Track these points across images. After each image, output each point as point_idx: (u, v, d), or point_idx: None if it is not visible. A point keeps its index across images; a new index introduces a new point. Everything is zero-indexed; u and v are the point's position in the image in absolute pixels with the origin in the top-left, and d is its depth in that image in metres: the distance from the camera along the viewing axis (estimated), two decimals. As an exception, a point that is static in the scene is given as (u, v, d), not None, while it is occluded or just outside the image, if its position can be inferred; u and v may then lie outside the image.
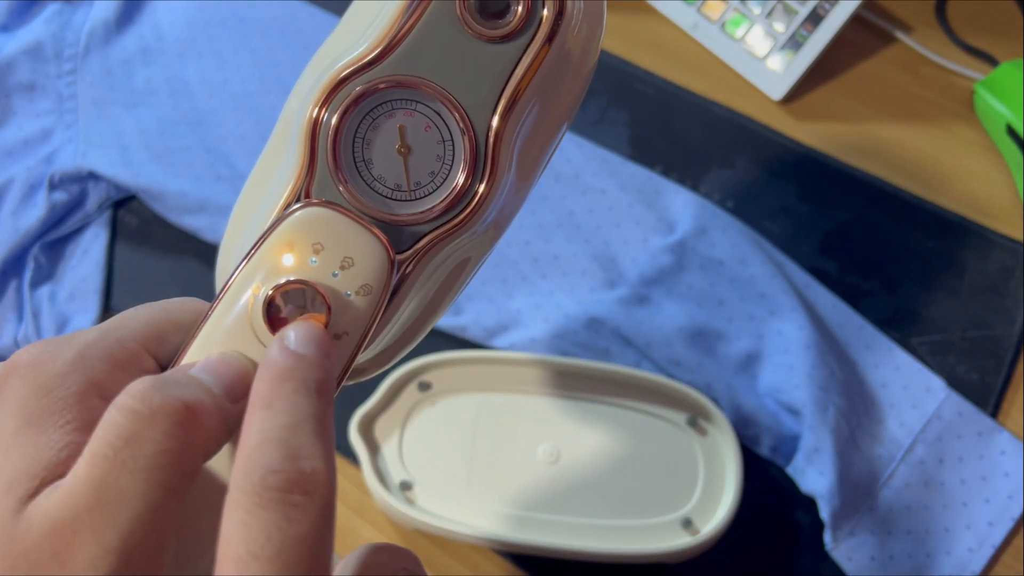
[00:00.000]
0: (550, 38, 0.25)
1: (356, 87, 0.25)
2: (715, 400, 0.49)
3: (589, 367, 0.49)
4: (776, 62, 0.60)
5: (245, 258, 0.25)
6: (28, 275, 0.56)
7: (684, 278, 0.53)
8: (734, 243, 0.53)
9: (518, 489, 0.47)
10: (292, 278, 0.24)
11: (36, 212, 0.56)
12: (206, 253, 0.56)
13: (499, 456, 0.48)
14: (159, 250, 0.57)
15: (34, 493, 0.20)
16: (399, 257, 0.26)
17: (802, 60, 0.59)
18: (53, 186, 0.57)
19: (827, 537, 0.46)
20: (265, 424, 0.20)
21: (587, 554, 0.44)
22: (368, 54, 0.25)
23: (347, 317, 0.24)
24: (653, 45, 0.63)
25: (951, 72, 0.61)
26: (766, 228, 0.55)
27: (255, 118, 0.60)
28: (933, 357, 0.51)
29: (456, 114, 0.25)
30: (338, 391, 0.24)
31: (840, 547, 0.46)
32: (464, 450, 0.48)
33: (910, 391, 0.50)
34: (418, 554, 0.48)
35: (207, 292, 0.55)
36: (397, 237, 0.26)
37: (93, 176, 0.58)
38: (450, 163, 0.26)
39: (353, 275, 0.24)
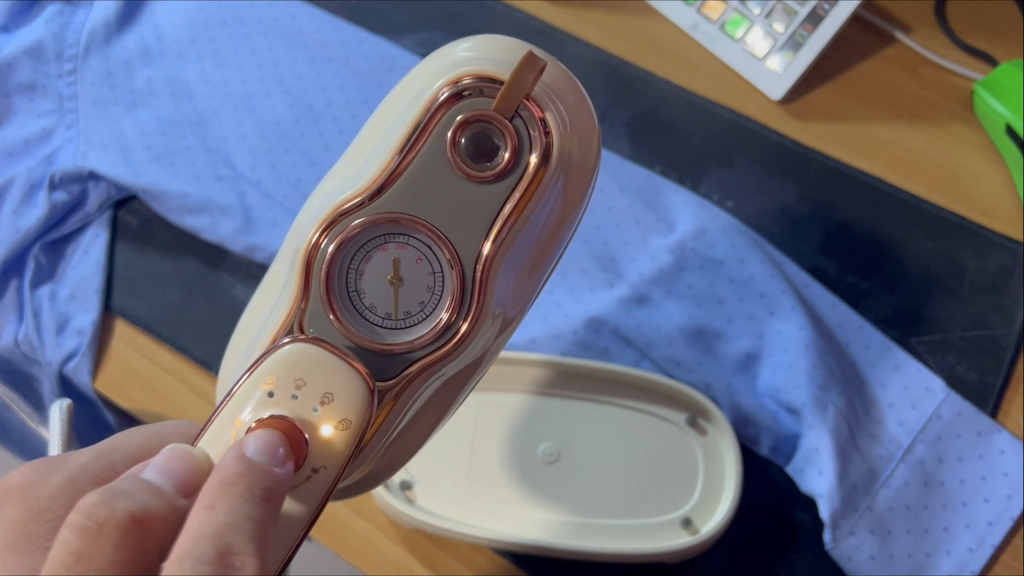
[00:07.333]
0: (537, 179, 0.26)
1: (351, 222, 0.26)
2: (714, 400, 0.49)
3: (589, 367, 0.49)
4: (776, 62, 0.60)
5: (233, 389, 0.25)
6: (29, 275, 0.56)
7: (683, 278, 0.53)
8: (733, 243, 0.53)
9: (518, 489, 0.47)
10: (273, 413, 0.25)
11: (37, 212, 0.56)
12: (206, 253, 0.56)
13: (499, 456, 0.48)
14: (159, 250, 0.57)
15: None
16: (385, 384, 0.27)
17: (802, 60, 0.59)
18: (54, 186, 0.57)
19: (827, 537, 0.46)
20: (204, 522, 0.21)
21: (587, 554, 0.44)
22: (365, 191, 0.26)
23: (325, 452, 0.25)
24: (653, 45, 0.63)
25: (950, 72, 0.61)
26: (766, 228, 0.55)
27: (255, 118, 0.60)
28: (932, 357, 0.52)
29: (446, 250, 0.26)
30: (317, 518, 0.25)
31: (840, 546, 0.46)
32: (464, 450, 0.48)
33: (909, 391, 0.50)
34: (418, 554, 0.48)
35: (207, 291, 0.55)
36: (386, 365, 0.27)
37: (93, 176, 0.58)
38: (439, 294, 0.27)
39: (333, 410, 0.25)
